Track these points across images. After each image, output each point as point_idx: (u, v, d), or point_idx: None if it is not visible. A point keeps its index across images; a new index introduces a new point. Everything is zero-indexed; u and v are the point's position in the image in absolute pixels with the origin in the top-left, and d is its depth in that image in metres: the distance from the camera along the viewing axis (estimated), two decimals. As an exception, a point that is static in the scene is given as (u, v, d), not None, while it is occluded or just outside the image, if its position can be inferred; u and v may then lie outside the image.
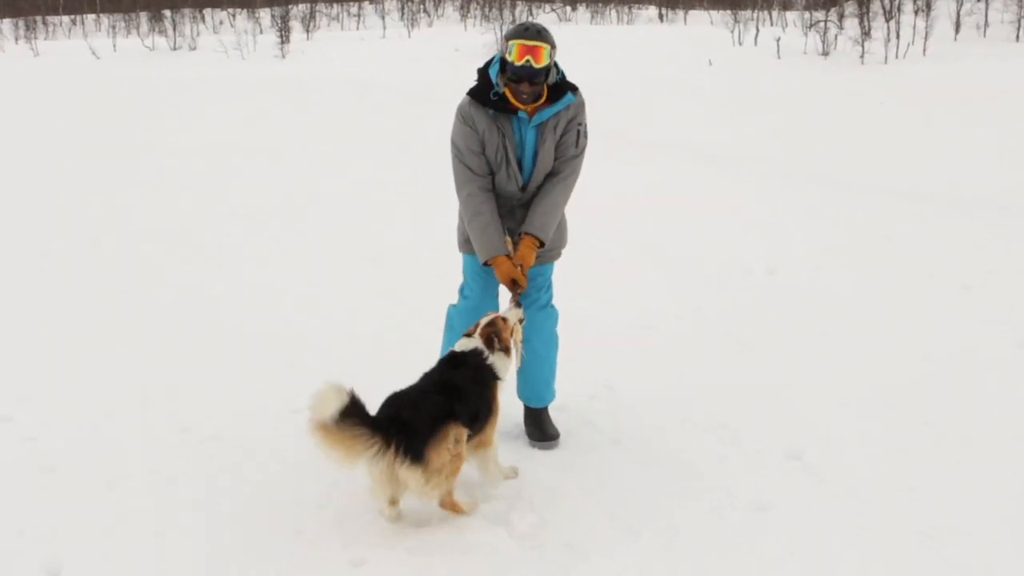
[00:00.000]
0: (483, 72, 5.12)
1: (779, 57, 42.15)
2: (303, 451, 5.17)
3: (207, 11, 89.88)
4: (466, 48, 51.94)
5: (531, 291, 5.38)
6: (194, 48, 57.62)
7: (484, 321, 4.95)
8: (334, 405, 4.04)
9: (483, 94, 5.04)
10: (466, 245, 5.39)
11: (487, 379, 4.79)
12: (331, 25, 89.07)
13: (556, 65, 5.08)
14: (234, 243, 10.25)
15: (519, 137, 5.11)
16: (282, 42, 52.32)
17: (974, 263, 9.05)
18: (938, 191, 12.68)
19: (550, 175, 5.23)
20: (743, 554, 4.30)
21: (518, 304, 5.15)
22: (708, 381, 6.30)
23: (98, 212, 11.93)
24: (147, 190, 13.34)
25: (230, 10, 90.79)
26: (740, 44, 49.86)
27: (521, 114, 5.04)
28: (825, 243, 9.87)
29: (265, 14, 75.76)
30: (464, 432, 4.44)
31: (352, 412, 4.11)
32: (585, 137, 5.25)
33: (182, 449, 5.40)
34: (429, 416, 4.33)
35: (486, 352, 4.82)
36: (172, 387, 6.29)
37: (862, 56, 39.94)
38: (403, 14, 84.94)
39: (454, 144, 5.18)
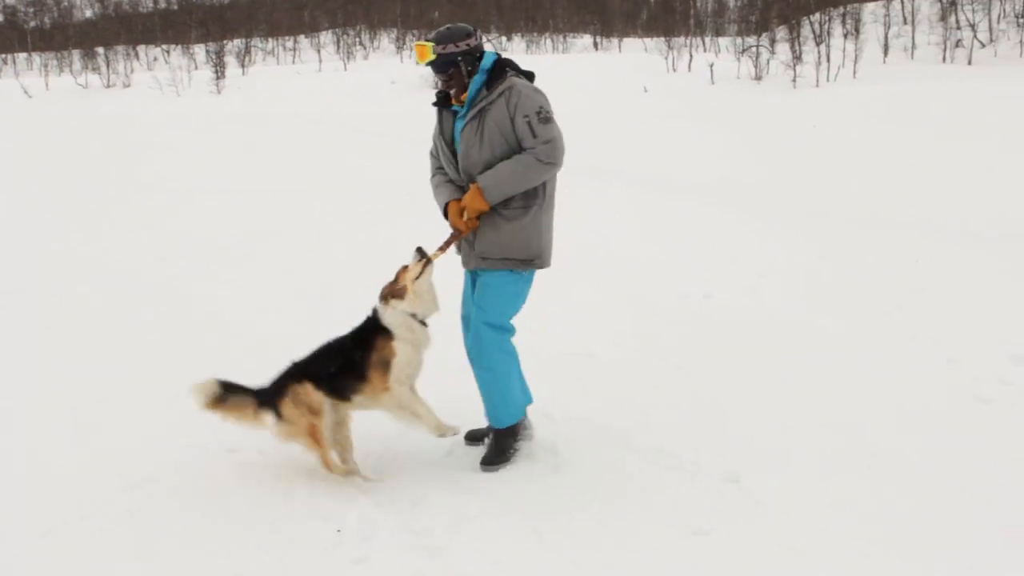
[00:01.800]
0: None
1: (713, 82, 42.66)
2: (240, 495, 5.17)
3: (141, 48, 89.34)
4: (402, 80, 52.04)
5: (472, 304, 5.57)
6: (128, 85, 57.18)
7: (386, 283, 5.39)
8: (203, 396, 5.24)
9: (439, 95, 5.56)
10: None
11: (369, 336, 5.28)
12: (266, 59, 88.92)
13: (476, 58, 5.37)
14: (173, 281, 10.14)
15: (452, 127, 5.47)
16: (217, 77, 52.08)
17: (904, 281, 9.18)
18: (870, 211, 12.89)
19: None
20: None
21: (420, 250, 5.39)
22: (647, 406, 6.32)
23: (33, 253, 11.78)
24: (84, 230, 13.19)
25: (164, 46, 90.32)
26: (674, 70, 50.42)
27: (456, 107, 5.44)
28: (760, 266, 9.97)
29: (200, 50, 75.42)
30: (307, 389, 5.24)
31: (234, 389, 5.31)
32: (544, 123, 5.22)
33: (120, 494, 5.32)
34: (282, 379, 5.35)
35: (378, 310, 5.34)
36: (108, 430, 6.21)
37: (794, 80, 40.58)
38: (339, 47, 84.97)
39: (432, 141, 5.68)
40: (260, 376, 6.97)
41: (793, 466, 5.39)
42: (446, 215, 5.44)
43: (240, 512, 5.02)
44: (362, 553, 4.56)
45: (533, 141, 5.19)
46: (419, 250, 5.36)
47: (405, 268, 5.32)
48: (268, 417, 5.28)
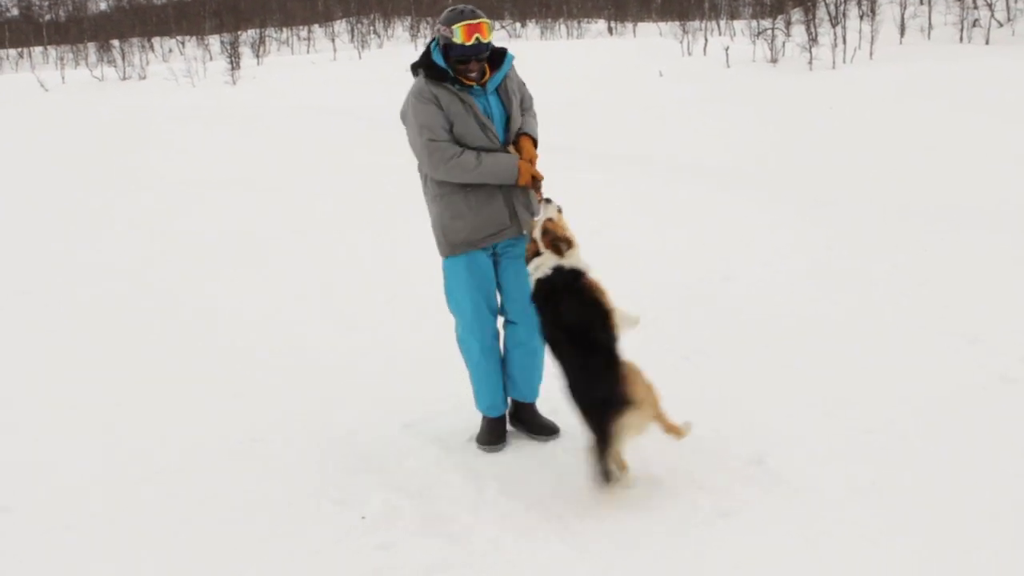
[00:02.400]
0: (426, 59, 5.41)
1: (728, 66, 42.49)
2: (264, 482, 5.19)
3: (156, 40, 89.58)
4: (417, 68, 51.97)
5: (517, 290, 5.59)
6: (143, 77, 57.32)
7: (538, 234, 5.14)
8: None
9: (438, 73, 5.33)
10: (452, 247, 5.50)
11: (580, 286, 5.10)
12: (281, 50, 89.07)
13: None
14: (192, 276, 10.15)
15: (483, 105, 5.41)
16: (232, 68, 52.12)
17: (924, 263, 9.12)
18: (889, 193, 12.81)
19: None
20: (707, 561, 4.30)
21: (548, 200, 5.30)
22: (667, 389, 6.28)
23: (51, 248, 11.82)
24: (99, 223, 13.23)
25: (179, 38, 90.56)
26: (689, 54, 50.26)
27: (475, 88, 5.40)
28: (778, 249, 9.92)
29: (214, 40, 75.52)
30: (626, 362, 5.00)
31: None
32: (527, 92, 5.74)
33: (142, 487, 5.35)
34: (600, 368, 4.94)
35: (564, 264, 5.10)
36: (129, 424, 6.24)
37: (810, 62, 40.37)
38: (353, 36, 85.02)
39: (426, 127, 5.32)
40: (281, 374, 7.03)
41: (819, 448, 5.36)
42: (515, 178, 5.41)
43: (264, 500, 5.05)
44: (386, 539, 4.57)
45: (530, 99, 5.73)
46: (548, 201, 5.29)
47: (551, 221, 5.18)
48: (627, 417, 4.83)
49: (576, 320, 5.02)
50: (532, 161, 5.43)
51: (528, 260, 5.20)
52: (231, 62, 53.18)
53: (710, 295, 8.56)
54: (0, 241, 12.37)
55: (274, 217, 13.06)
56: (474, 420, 5.77)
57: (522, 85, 5.66)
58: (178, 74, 52.09)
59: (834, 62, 39.57)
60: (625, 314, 5.14)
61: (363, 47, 77.60)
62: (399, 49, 74.71)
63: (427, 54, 5.42)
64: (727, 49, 44.83)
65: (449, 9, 5.35)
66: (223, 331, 8.23)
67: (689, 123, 22.62)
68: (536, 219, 5.26)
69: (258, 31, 76.45)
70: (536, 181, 5.44)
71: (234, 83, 49.35)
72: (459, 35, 5.18)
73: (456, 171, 5.33)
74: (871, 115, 21.88)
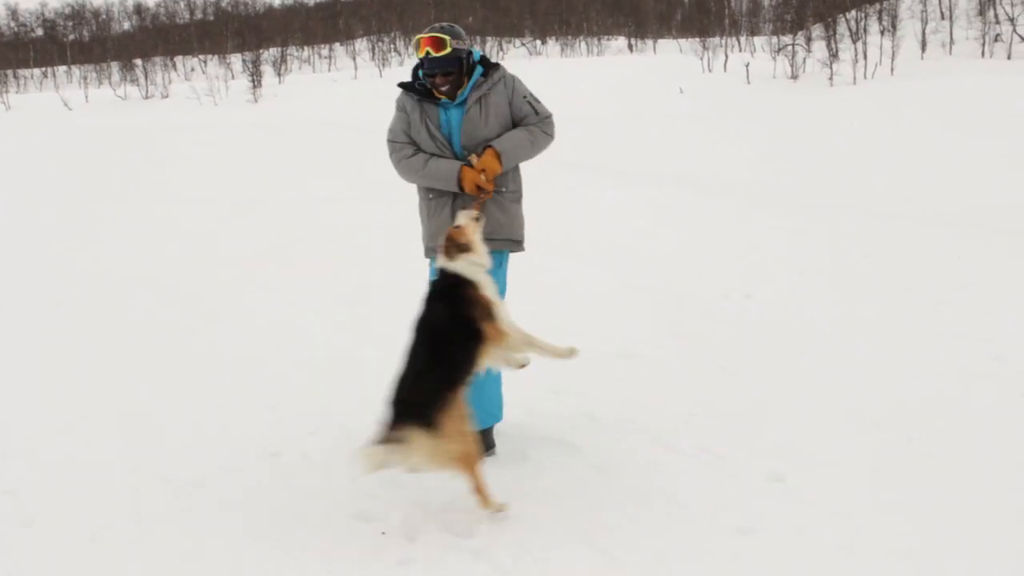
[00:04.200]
0: (414, 73, 5.63)
1: (749, 82, 42.47)
2: (285, 497, 5.20)
3: (178, 58, 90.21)
4: (438, 85, 52.18)
5: None
6: (166, 96, 57.74)
7: (440, 240, 5.18)
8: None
9: (411, 84, 5.64)
10: (425, 251, 5.76)
11: (457, 295, 4.97)
12: (302, 68, 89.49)
13: (470, 56, 5.58)
14: (221, 291, 10.21)
15: (444, 118, 5.55)
16: (254, 86, 52.42)
17: (948, 278, 9.09)
18: (912, 207, 12.77)
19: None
20: (728, 579, 4.29)
21: (474, 208, 5.31)
22: (689, 407, 6.29)
23: (81, 263, 11.92)
24: (127, 240, 13.32)
25: (201, 57, 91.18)
26: (710, 71, 50.28)
27: (444, 102, 5.54)
28: (801, 264, 9.91)
29: (236, 59, 75.95)
30: (463, 402, 4.77)
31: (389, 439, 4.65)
32: (539, 102, 5.69)
33: (166, 498, 5.36)
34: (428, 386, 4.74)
35: (449, 268, 5.02)
36: (154, 435, 6.26)
37: (831, 78, 40.34)
38: (374, 54, 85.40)
39: (390, 130, 5.72)
40: (299, 386, 7.04)
41: (839, 465, 5.33)
42: (459, 185, 5.44)
43: (284, 515, 5.04)
44: (407, 555, 4.56)
45: (537, 117, 5.62)
46: (466, 211, 5.30)
47: (459, 228, 5.17)
48: (415, 435, 4.62)
49: (434, 325, 4.95)
50: (486, 172, 5.40)
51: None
52: (253, 80, 53.50)
53: (733, 311, 8.55)
54: (33, 254, 12.48)
55: (295, 228, 13.13)
56: (496, 435, 5.75)
57: (523, 99, 5.64)
58: (200, 92, 52.42)
59: (855, 78, 39.55)
60: (525, 341, 5.03)
61: (384, 64, 77.91)
62: (420, 67, 74.92)
63: (415, 69, 5.62)
64: (747, 65, 44.88)
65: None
66: (244, 343, 8.26)
67: (710, 139, 22.62)
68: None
69: (280, 50, 76.79)
70: (481, 191, 5.42)
71: (256, 101, 49.67)
72: (416, 48, 5.41)
73: (405, 170, 5.65)
74: (892, 130, 21.84)
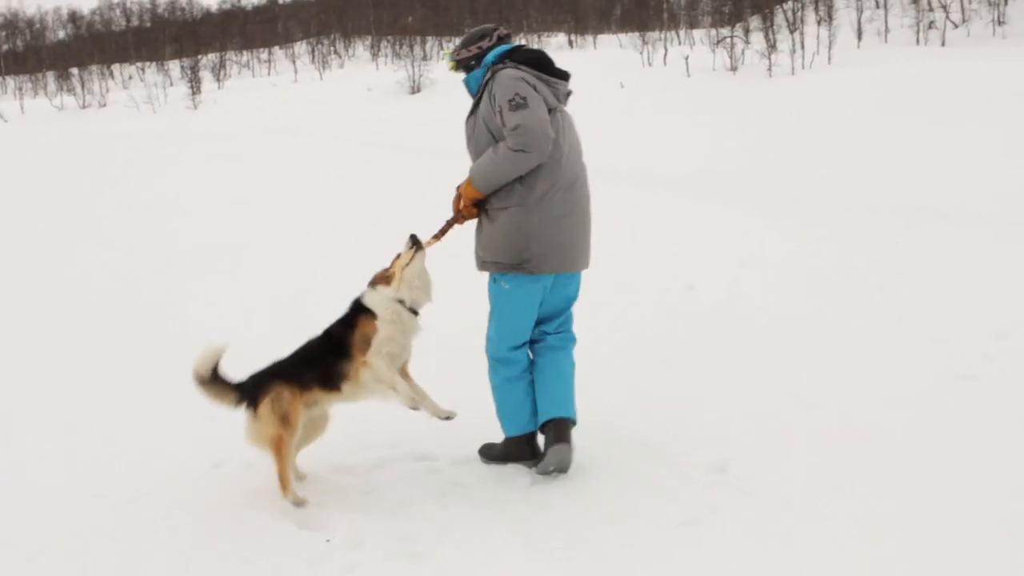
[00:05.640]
0: None
1: (689, 75, 42.74)
2: (227, 509, 5.15)
3: (116, 66, 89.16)
4: (379, 87, 52.03)
5: None
6: (104, 105, 57.06)
7: (378, 271, 5.47)
8: (204, 363, 5.23)
9: None
10: (522, 264, 5.30)
11: (353, 317, 5.33)
12: (242, 72, 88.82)
13: (479, 58, 5.47)
14: (155, 300, 10.11)
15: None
16: (193, 93, 51.95)
17: (885, 264, 9.19)
18: (848, 196, 12.90)
19: None
20: (674, 572, 4.30)
21: (413, 238, 5.40)
22: (631, 400, 6.31)
23: (11, 275, 11.76)
24: (62, 250, 13.15)
25: (138, 64, 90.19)
26: (650, 65, 50.54)
27: None
28: (742, 256, 9.96)
29: (175, 66, 75.27)
30: (291, 394, 5.21)
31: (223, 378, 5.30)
32: (513, 111, 5.06)
33: (106, 514, 5.29)
34: (268, 374, 5.35)
35: (363, 294, 5.41)
36: (91, 450, 6.19)
37: (770, 69, 40.67)
38: (314, 57, 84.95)
39: None
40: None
41: (781, 453, 5.38)
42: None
43: (227, 527, 5.00)
44: (351, 561, 4.54)
45: (505, 131, 5.10)
46: (412, 237, 5.34)
47: (398, 256, 5.32)
48: (244, 411, 5.28)
49: (314, 337, 5.45)
50: (462, 195, 5.37)
51: None
52: (192, 87, 53.02)
53: (674, 303, 8.59)
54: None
55: (241, 236, 13.01)
56: (441, 441, 5.79)
57: (496, 107, 5.17)
58: (139, 100, 51.86)
59: (793, 68, 39.90)
60: (384, 380, 5.18)
61: (324, 67, 77.53)
62: (360, 68, 74.69)
63: None
64: (687, 58, 45.12)
65: None
66: (179, 352, 8.17)
67: (652, 133, 22.73)
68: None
69: (218, 55, 76.20)
70: (455, 213, 5.45)
71: (195, 107, 49.22)
72: None
73: None
74: (831, 119, 22.08)
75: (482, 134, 5.27)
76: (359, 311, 5.29)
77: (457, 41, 5.60)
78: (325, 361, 5.25)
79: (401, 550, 4.61)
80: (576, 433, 5.52)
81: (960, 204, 11.74)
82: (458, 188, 5.37)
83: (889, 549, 4.32)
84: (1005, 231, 9.95)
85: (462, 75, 5.58)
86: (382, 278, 5.35)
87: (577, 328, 6.53)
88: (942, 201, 12.10)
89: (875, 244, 9.99)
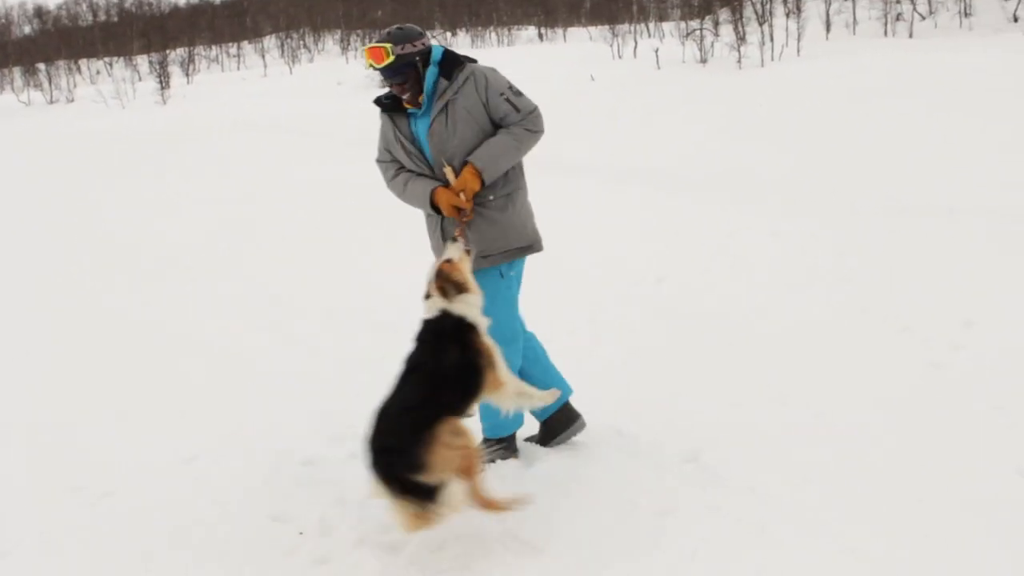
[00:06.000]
0: None
1: (659, 68, 42.81)
2: (199, 502, 5.15)
3: (83, 61, 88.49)
4: (349, 80, 51.86)
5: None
6: (71, 100, 56.62)
7: (432, 276, 4.80)
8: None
9: (381, 100, 5.36)
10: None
11: (462, 339, 4.67)
12: (211, 67, 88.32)
13: (426, 57, 5.16)
14: (130, 297, 10.06)
15: (413, 129, 5.26)
16: (162, 88, 51.61)
17: (854, 255, 9.24)
18: (816, 187, 12.96)
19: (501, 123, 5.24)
20: (647, 561, 4.32)
21: (454, 239, 4.98)
22: (603, 391, 6.32)
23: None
24: (38, 250, 13.09)
25: (106, 59, 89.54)
26: (620, 57, 50.59)
27: (411, 110, 5.23)
28: (711, 248, 10.01)
29: (143, 60, 74.71)
30: (457, 422, 4.42)
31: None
32: (519, 96, 5.22)
33: (77, 510, 5.28)
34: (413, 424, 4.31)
35: (451, 309, 4.69)
36: (61, 445, 6.18)
37: (739, 61, 40.77)
38: (283, 51, 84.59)
39: (377, 149, 5.49)
40: (217, 390, 6.98)
41: (752, 442, 5.41)
42: (433, 206, 5.16)
43: (199, 521, 5.00)
44: (323, 553, 4.55)
45: (518, 115, 5.17)
46: (455, 239, 4.98)
47: (449, 262, 4.84)
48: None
49: (436, 368, 4.59)
50: (464, 191, 5.07)
51: (425, 298, 4.84)
52: (160, 82, 52.63)
53: (646, 296, 8.62)
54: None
55: (211, 234, 12.96)
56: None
57: (500, 96, 5.18)
58: (107, 96, 51.44)
59: (763, 60, 39.99)
60: (518, 391, 4.86)
61: (294, 61, 77.23)
62: (330, 63, 74.47)
63: None
64: (657, 51, 45.13)
65: None
66: (151, 348, 8.17)
67: (622, 126, 22.75)
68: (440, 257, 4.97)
69: (187, 49, 75.73)
70: (460, 212, 5.12)
71: (164, 102, 48.86)
72: (365, 60, 5.20)
73: (394, 192, 5.46)
74: (800, 111, 22.14)
75: (468, 128, 5.11)
76: (464, 330, 4.70)
77: (378, 37, 5.22)
78: (464, 393, 4.64)
79: (374, 540, 4.62)
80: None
81: (928, 195, 11.79)
82: (445, 188, 5.11)
83: (859, 537, 4.36)
84: (973, 221, 10.03)
85: (381, 72, 5.12)
86: (458, 286, 4.75)
87: (551, 323, 6.55)
88: (910, 192, 12.15)
89: (843, 235, 10.05)
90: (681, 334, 7.52)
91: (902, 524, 4.46)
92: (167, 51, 67.03)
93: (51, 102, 56.25)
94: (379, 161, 5.49)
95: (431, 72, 5.14)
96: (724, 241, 10.24)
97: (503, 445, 5.47)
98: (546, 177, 15.46)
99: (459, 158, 5.14)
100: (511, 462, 5.37)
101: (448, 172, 5.12)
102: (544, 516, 4.75)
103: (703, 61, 43.91)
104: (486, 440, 5.47)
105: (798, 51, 42.17)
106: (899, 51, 35.30)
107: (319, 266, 10.50)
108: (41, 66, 64.88)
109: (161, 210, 15.28)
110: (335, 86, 51.14)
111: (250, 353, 7.86)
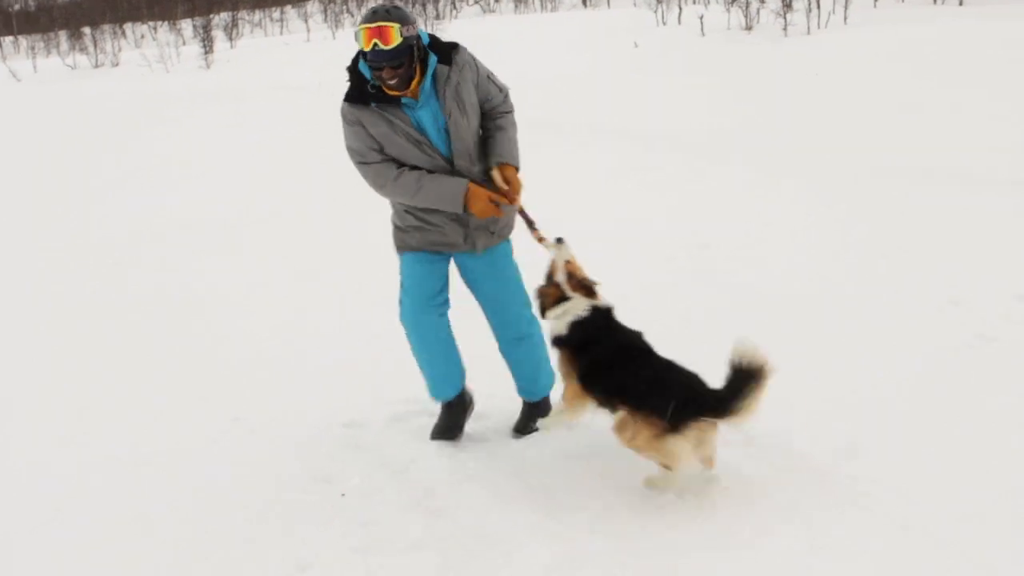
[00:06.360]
0: (354, 70, 4.90)
1: (703, 35, 42.41)
2: (243, 463, 5.18)
3: (128, 26, 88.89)
4: (392, 45, 51.73)
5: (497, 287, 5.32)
6: (116, 64, 56.83)
7: (562, 277, 4.89)
8: None
9: (359, 92, 4.84)
10: (406, 244, 5.21)
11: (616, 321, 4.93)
12: (254, 32, 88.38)
13: (419, 40, 4.81)
14: (169, 260, 10.12)
15: (415, 121, 4.87)
16: (206, 52, 51.69)
17: (904, 226, 9.13)
18: (866, 157, 12.80)
19: (489, 120, 5.11)
20: (668, 529, 4.34)
21: (559, 240, 5.03)
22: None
23: (24, 232, 11.81)
24: (80, 211, 13.18)
25: (151, 23, 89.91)
26: (664, 24, 50.11)
27: (405, 100, 4.83)
28: (758, 216, 9.93)
29: (187, 25, 74.92)
30: None
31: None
32: (494, 76, 5.16)
33: (118, 469, 5.34)
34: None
35: (600, 301, 4.90)
36: (106, 410, 6.25)
37: (785, 28, 40.29)
38: (326, 16, 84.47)
39: (353, 151, 4.95)
40: (264, 359, 7.01)
41: (799, 411, 5.37)
42: (464, 207, 4.91)
43: (243, 482, 5.04)
44: (368, 516, 4.58)
45: (500, 95, 5.13)
46: (560, 240, 5.01)
47: (570, 262, 4.95)
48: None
49: (637, 342, 4.87)
50: (512, 192, 5.00)
51: (548, 306, 4.92)
52: (204, 46, 52.68)
53: (690, 263, 8.57)
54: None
55: (262, 200, 12.99)
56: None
57: (486, 80, 5.06)
58: (151, 60, 51.64)
59: (809, 27, 39.44)
60: None
61: (337, 26, 77.16)
62: (374, 28, 74.23)
63: (354, 64, 4.91)
64: (701, 17, 44.58)
65: (368, 7, 4.83)
66: (207, 316, 8.21)
67: (666, 93, 22.54)
68: (554, 260, 4.99)
69: (230, 14, 75.78)
70: (524, 216, 5.13)
71: (208, 67, 48.94)
72: (360, 39, 4.62)
73: (398, 194, 4.97)
74: (847, 80, 21.85)
75: (475, 114, 5.00)
76: (612, 313, 4.97)
77: (372, 15, 4.66)
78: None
79: (416, 504, 4.64)
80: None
81: (982, 166, 11.62)
82: (481, 185, 4.95)
83: (899, 512, 4.32)
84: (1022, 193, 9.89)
85: (381, 55, 4.64)
86: (592, 290, 4.95)
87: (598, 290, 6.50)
88: (962, 163, 11.97)
89: (894, 206, 9.93)
90: (727, 303, 7.46)
91: (952, 499, 4.42)
92: (211, 15, 67.08)
93: (96, 66, 56.50)
94: (366, 163, 4.94)
95: (433, 58, 4.86)
96: (770, 210, 10.15)
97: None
98: (592, 142, 15.41)
99: (475, 147, 5.04)
100: (553, 436, 5.35)
101: (496, 176, 5.00)
102: (578, 482, 4.81)
103: (748, 28, 43.40)
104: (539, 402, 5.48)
105: (845, 19, 41.54)
106: (952, 19, 34.74)
107: (368, 236, 10.48)
108: (86, 30, 65.14)
109: (203, 174, 15.32)
110: (378, 51, 51.06)
111: (300, 324, 7.86)
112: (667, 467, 4.53)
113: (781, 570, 3.94)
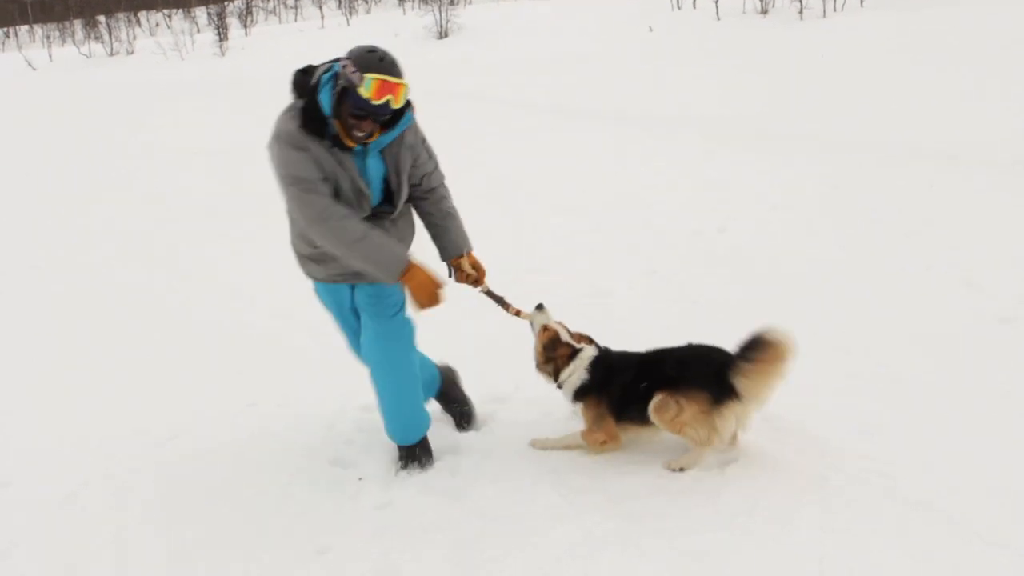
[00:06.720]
0: (311, 95, 4.36)
1: (719, 18, 42.23)
2: (262, 446, 5.20)
3: (142, 14, 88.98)
4: (406, 32, 51.65)
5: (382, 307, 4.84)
6: (131, 52, 56.91)
7: (564, 336, 4.97)
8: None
9: (316, 125, 4.32)
10: (319, 271, 4.89)
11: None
12: (268, 19, 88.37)
13: None
14: (185, 245, 10.16)
15: (360, 167, 4.49)
16: (220, 40, 51.72)
17: (919, 209, 9.10)
18: (881, 140, 12.74)
19: (431, 192, 4.83)
20: (700, 512, 4.32)
21: (540, 306, 5.08)
22: (663, 342, 6.28)
23: (46, 220, 11.85)
24: (94, 197, 13.22)
25: (165, 11, 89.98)
26: (679, 7, 49.89)
27: (356, 148, 4.44)
28: (773, 199, 9.91)
29: (201, 12, 74.96)
30: None
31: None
32: (430, 148, 4.85)
33: (139, 452, 5.37)
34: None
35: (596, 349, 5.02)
36: (128, 390, 6.28)
37: (800, 11, 40.07)
38: (340, 2, 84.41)
39: (299, 179, 4.34)
40: (277, 344, 7.03)
41: (813, 394, 5.36)
42: (449, 269, 4.88)
43: (263, 463, 5.07)
44: (384, 499, 4.59)
45: (432, 164, 4.84)
46: (541, 306, 5.07)
47: (558, 323, 5.05)
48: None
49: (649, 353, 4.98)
50: (481, 276, 4.94)
51: (562, 367, 4.92)
52: (219, 33, 52.73)
53: (706, 246, 8.56)
54: (9, 218, 12.40)
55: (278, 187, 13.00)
56: (474, 382, 5.70)
57: (423, 142, 4.76)
58: (166, 48, 51.73)
59: (824, 11, 39.23)
60: None
61: (351, 13, 77.10)
62: (388, 14, 74.12)
63: (314, 88, 4.36)
64: (716, 1, 44.41)
65: (367, 49, 4.28)
66: (222, 302, 8.24)
67: (681, 77, 22.47)
68: (539, 328, 5.02)
69: (245, 1, 75.86)
70: (493, 297, 5.02)
71: (223, 55, 48.99)
72: (369, 88, 4.15)
73: (333, 237, 4.41)
74: (863, 63, 21.74)
75: (403, 183, 4.66)
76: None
77: (384, 68, 4.23)
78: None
79: (434, 487, 4.65)
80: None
81: (998, 150, 11.55)
82: (428, 274, 4.46)
83: (918, 489, 4.31)
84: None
85: (379, 110, 4.27)
86: (582, 336, 5.08)
87: (611, 274, 6.48)
88: (978, 146, 11.91)
89: (908, 189, 9.89)
90: (742, 285, 7.46)
91: (968, 476, 4.41)
92: (225, 2, 67.09)
93: (111, 54, 56.59)
94: (314, 192, 4.36)
95: (408, 114, 4.54)
96: (785, 193, 10.13)
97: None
98: (605, 127, 15.38)
99: (405, 195, 4.69)
100: (559, 412, 5.36)
101: (466, 264, 4.90)
102: (595, 466, 4.79)
103: (764, 11, 43.18)
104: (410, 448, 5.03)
105: (861, 2, 41.30)
106: (968, 5, 34.53)
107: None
108: (101, 18, 65.25)
109: (217, 159, 15.35)
110: (392, 37, 50.90)
111: (312, 310, 7.88)
112: (700, 444, 4.58)
113: (799, 549, 3.94)
